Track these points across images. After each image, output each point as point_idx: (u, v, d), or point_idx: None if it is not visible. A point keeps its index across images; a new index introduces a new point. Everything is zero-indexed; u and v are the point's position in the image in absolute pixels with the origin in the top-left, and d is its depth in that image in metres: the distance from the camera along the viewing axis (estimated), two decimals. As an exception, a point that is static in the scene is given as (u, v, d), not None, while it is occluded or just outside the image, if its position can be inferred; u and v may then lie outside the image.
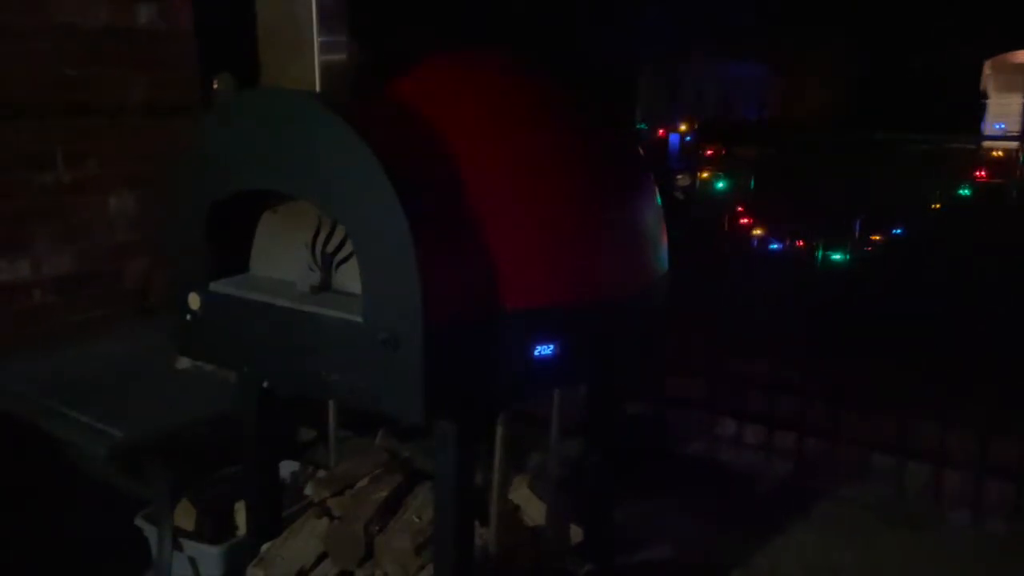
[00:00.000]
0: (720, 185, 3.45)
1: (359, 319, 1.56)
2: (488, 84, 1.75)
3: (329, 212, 1.60)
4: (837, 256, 3.28)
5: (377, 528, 2.02)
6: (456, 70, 1.78)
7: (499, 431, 1.94)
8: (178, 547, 2.30)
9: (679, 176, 3.57)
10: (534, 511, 2.22)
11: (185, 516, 2.41)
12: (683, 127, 3.40)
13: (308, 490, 2.21)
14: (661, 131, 3.38)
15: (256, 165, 1.65)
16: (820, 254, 3.26)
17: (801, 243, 3.31)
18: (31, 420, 2.13)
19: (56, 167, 2.78)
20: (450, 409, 1.62)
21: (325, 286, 1.74)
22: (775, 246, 3.36)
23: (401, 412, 1.56)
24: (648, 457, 3.46)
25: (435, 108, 1.65)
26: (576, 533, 2.24)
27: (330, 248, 1.73)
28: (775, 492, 3.35)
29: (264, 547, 2.09)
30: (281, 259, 1.81)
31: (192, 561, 2.34)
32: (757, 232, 3.38)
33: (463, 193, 1.57)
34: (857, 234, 3.29)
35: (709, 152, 3.38)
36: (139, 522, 2.41)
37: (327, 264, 1.74)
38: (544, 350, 1.65)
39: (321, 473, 2.37)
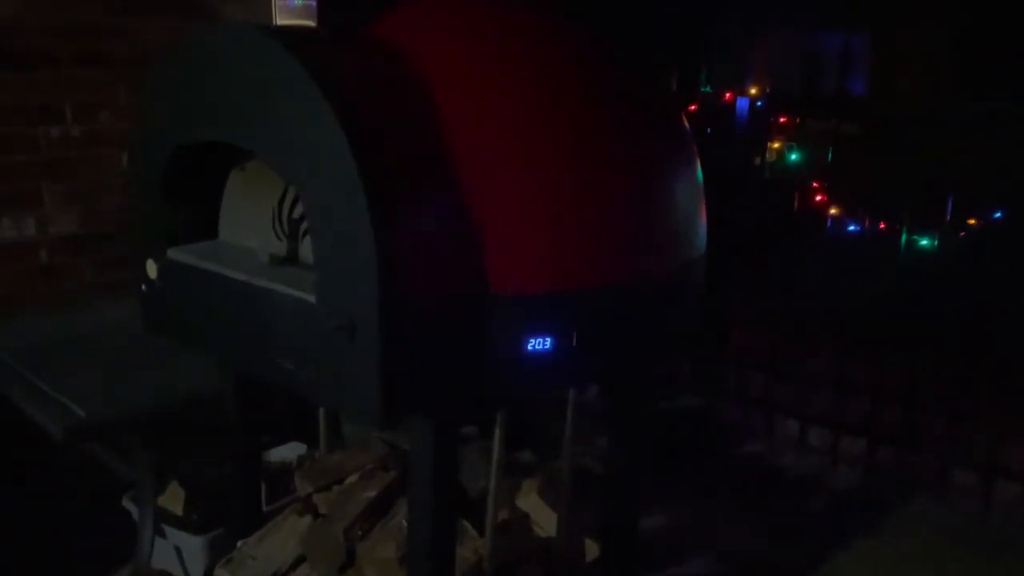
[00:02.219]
0: (793, 157, 3.05)
1: (313, 299, 1.31)
2: (488, 20, 1.46)
3: (278, 168, 1.35)
4: (924, 241, 2.87)
5: (360, 532, 1.79)
6: (455, 3, 1.50)
7: (497, 432, 1.68)
8: (161, 533, 2.13)
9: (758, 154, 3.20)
10: (545, 520, 1.95)
11: (174, 499, 2.24)
12: (753, 91, 3.04)
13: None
14: (728, 94, 3.03)
15: (205, 113, 1.41)
16: (904, 238, 2.85)
17: (883, 225, 2.90)
18: (4, 391, 1.97)
19: (65, 120, 2.61)
20: (423, 409, 1.36)
21: (291, 257, 1.50)
22: (853, 228, 2.96)
23: (359, 413, 1.30)
24: (696, 456, 3.14)
25: (420, 46, 1.37)
26: (592, 548, 1.97)
27: (297, 213, 1.49)
28: (839, 503, 3.01)
29: (239, 544, 1.89)
30: (249, 225, 1.58)
31: (177, 549, 2.17)
32: (833, 211, 2.99)
33: (443, 150, 1.29)
34: (949, 217, 2.85)
35: (782, 119, 2.99)
36: (126, 503, 2.25)
37: (294, 232, 1.50)
38: (540, 344, 1.37)
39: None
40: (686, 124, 1.66)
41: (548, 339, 1.37)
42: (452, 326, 1.30)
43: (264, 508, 2.16)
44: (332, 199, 1.23)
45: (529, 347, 1.36)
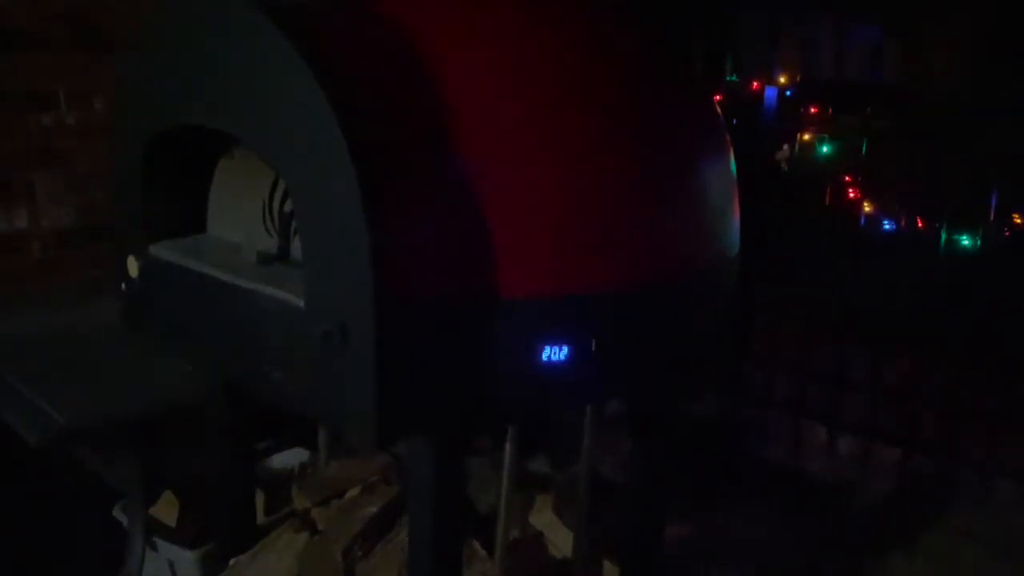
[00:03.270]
0: (824, 150, 2.88)
1: (302, 303, 1.17)
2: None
3: (264, 154, 1.21)
4: (966, 240, 2.68)
5: (360, 552, 1.65)
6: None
7: (508, 447, 1.53)
8: (152, 547, 2.01)
9: (784, 146, 3.03)
10: (560, 540, 1.81)
11: (167, 509, 2.11)
12: (783, 79, 2.87)
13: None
14: (756, 83, 2.86)
15: (183, 94, 1.27)
16: (944, 237, 2.67)
17: (921, 223, 2.73)
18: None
19: (59, 107, 2.48)
20: (424, 427, 1.22)
21: (282, 255, 1.36)
22: (888, 225, 2.79)
23: (350, 432, 1.17)
24: (718, 463, 2.98)
25: (423, 18, 1.22)
26: (611, 571, 1.82)
27: (288, 207, 1.35)
28: (872, 514, 2.84)
29: (231, 562, 1.76)
30: (237, 218, 1.44)
31: (170, 563, 2.04)
32: (867, 208, 2.81)
33: (448, 135, 1.14)
34: (993, 215, 2.67)
35: (813, 110, 2.81)
36: (117, 513, 2.13)
37: (285, 227, 1.36)
38: (556, 354, 1.23)
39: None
40: (719, 112, 1.50)
41: (565, 348, 1.23)
42: (457, 334, 1.16)
43: (265, 519, 2.03)
44: (321, 189, 1.09)
45: (544, 357, 1.22)
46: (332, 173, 1.06)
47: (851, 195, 2.84)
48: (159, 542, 2.01)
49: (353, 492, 1.80)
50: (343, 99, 1.06)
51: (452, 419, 1.21)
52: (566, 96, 1.21)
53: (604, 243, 1.21)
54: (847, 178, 2.85)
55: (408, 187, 1.09)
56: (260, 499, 2.11)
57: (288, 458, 2.39)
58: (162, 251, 1.42)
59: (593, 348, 1.23)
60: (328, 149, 1.05)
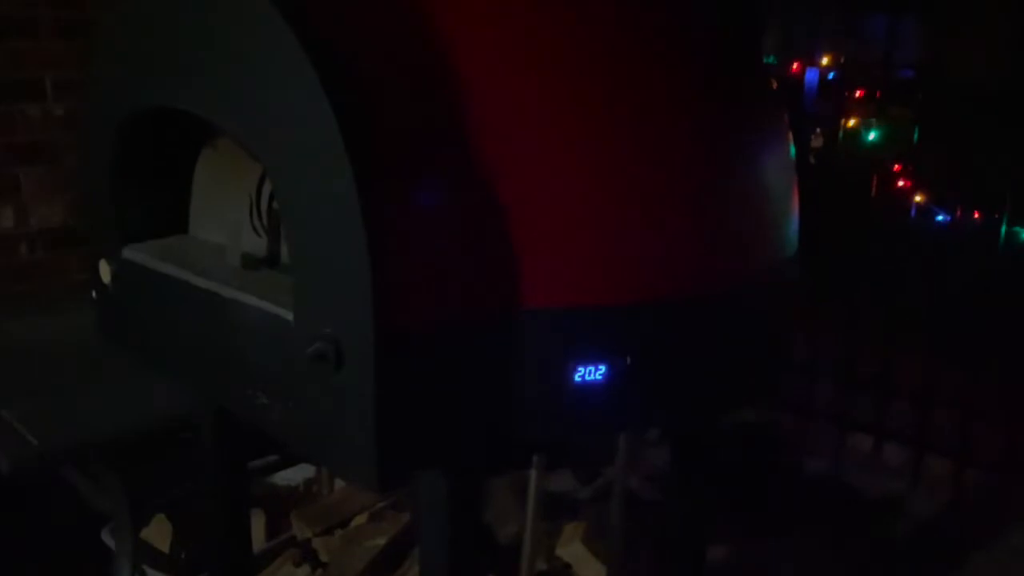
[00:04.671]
0: (871, 136, 2.66)
1: (290, 315, 0.98)
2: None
3: (245, 141, 1.03)
4: (1028, 233, 2.47)
5: (366, 591, 1.47)
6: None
7: (532, 476, 1.34)
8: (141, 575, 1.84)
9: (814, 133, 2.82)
10: (591, 574, 1.62)
11: (160, 534, 1.95)
12: (825, 61, 2.65)
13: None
14: (796, 65, 2.64)
15: (153, 71, 1.09)
16: (1004, 230, 2.44)
17: (978, 215, 2.51)
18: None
19: (45, 97, 2.32)
20: (434, 463, 1.03)
21: (271, 259, 1.17)
22: (941, 217, 2.57)
23: (347, 471, 0.98)
24: (754, 477, 2.78)
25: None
26: (647, 608, 1.63)
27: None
28: (922, 532, 2.64)
29: (224, 599, 1.58)
30: (221, 216, 1.26)
31: (161, 594, 1.87)
32: (918, 198, 2.59)
33: (463, 117, 0.95)
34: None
35: (859, 93, 2.59)
36: (105, 537, 1.96)
37: (274, 226, 1.17)
38: (591, 374, 1.03)
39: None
40: (777, 90, 1.30)
41: (602, 367, 1.03)
42: (474, 354, 0.96)
43: (266, 544, 1.86)
44: (310, 182, 0.90)
45: (576, 378, 1.02)
46: (323, 164, 0.87)
47: (901, 185, 2.63)
48: (148, 571, 1.85)
49: (359, 520, 1.62)
50: (336, 74, 0.87)
51: (469, 455, 1.02)
52: (603, 74, 1.02)
53: (650, 243, 1.01)
54: (896, 167, 2.64)
55: (413, 183, 0.90)
56: (261, 521, 1.94)
57: (292, 475, 2.21)
58: (137, 254, 1.24)
59: (635, 368, 1.04)
60: (319, 136, 0.86)
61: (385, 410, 0.90)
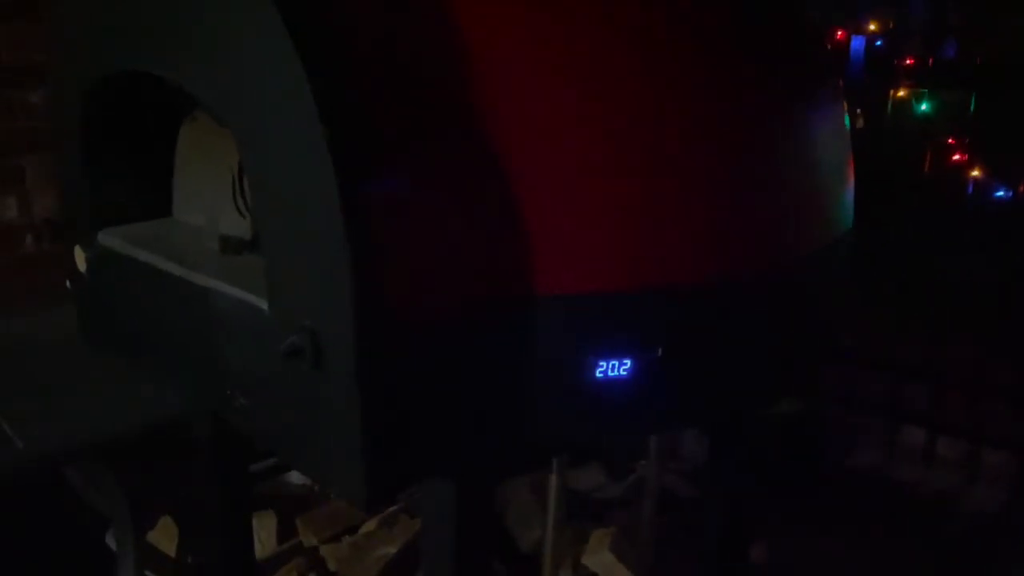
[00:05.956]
0: (924, 107, 2.47)
1: (265, 305, 0.86)
2: None
3: (217, 109, 0.90)
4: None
5: (375, 604, 1.35)
6: None
7: (553, 480, 1.21)
8: (144, 582, 1.74)
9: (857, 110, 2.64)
10: (620, 584, 1.48)
11: (166, 536, 1.85)
12: (872, 26, 2.47)
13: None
14: (840, 32, 2.46)
15: (118, 32, 0.97)
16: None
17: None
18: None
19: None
20: (434, 472, 0.90)
21: (255, 242, 1.05)
22: (1001, 193, 2.37)
23: (332, 484, 0.85)
24: (796, 472, 2.62)
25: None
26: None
27: (260, 178, 1.03)
28: (982, 531, 2.45)
29: (225, 612, 1.47)
30: (202, 196, 1.13)
31: (166, 600, 1.78)
32: (975, 173, 2.40)
33: (460, 71, 0.82)
34: None
35: (910, 61, 2.40)
36: (110, 540, 1.87)
37: (257, 205, 1.05)
38: (615, 369, 0.89)
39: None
40: (827, 49, 1.15)
41: (628, 361, 0.89)
42: (476, 347, 0.83)
43: (277, 548, 1.75)
44: (282, 154, 0.77)
45: (599, 373, 0.89)
46: (296, 134, 0.74)
47: (956, 159, 2.43)
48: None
49: (369, 526, 1.50)
50: (315, 38, 0.75)
51: (472, 464, 0.89)
52: (625, 29, 0.87)
53: (683, 219, 0.87)
54: (951, 140, 2.44)
55: (402, 148, 0.77)
56: (272, 522, 1.83)
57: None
58: (113, 239, 1.13)
59: (667, 360, 0.90)
60: (291, 102, 0.74)
61: (371, 414, 0.77)
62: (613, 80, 0.86)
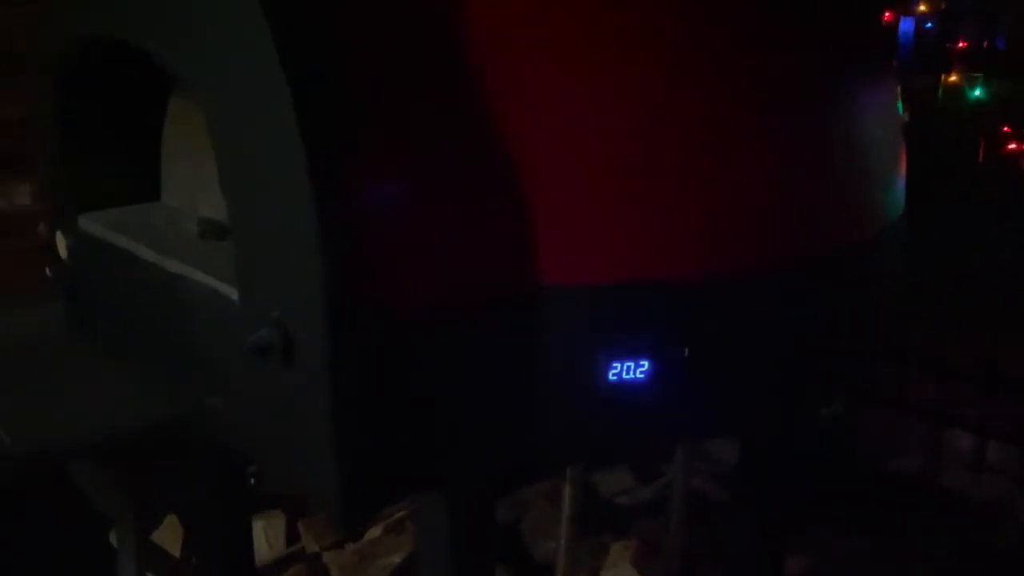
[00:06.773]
0: (976, 93, 2.32)
1: (236, 295, 0.77)
2: None
3: (193, 84, 0.81)
4: None
5: (378, 617, 1.27)
6: None
7: (566, 492, 1.10)
8: (146, 583, 1.68)
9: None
10: (643, 600, 1.38)
11: (171, 536, 1.79)
12: (923, 7, 2.33)
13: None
14: (888, 14, 2.33)
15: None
16: None
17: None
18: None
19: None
20: (422, 484, 0.80)
21: (237, 226, 0.96)
22: (1059, 184, 2.22)
23: (306, 494, 0.76)
24: (836, 477, 2.48)
25: None
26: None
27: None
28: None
29: (222, 620, 1.40)
30: (187, 178, 1.05)
31: (169, 604, 1.71)
32: (1032, 162, 2.25)
33: (443, 47, 0.72)
34: None
35: (962, 44, 2.26)
36: (113, 540, 1.81)
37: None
38: (630, 371, 0.79)
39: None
40: (882, 26, 1.03)
41: (645, 361, 0.79)
42: (473, 343, 0.73)
43: (283, 552, 1.68)
44: (251, 133, 0.68)
45: (611, 375, 0.78)
46: (266, 111, 0.65)
47: (1011, 148, 2.28)
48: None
49: (374, 532, 1.41)
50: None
51: (471, 475, 0.79)
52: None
53: (710, 203, 0.76)
54: (1006, 128, 2.29)
55: (381, 129, 0.67)
56: (281, 522, 1.76)
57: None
58: (94, 224, 1.05)
59: (690, 362, 0.79)
60: (260, 76, 0.65)
61: (346, 417, 0.68)
62: (643, 45, 0.76)
